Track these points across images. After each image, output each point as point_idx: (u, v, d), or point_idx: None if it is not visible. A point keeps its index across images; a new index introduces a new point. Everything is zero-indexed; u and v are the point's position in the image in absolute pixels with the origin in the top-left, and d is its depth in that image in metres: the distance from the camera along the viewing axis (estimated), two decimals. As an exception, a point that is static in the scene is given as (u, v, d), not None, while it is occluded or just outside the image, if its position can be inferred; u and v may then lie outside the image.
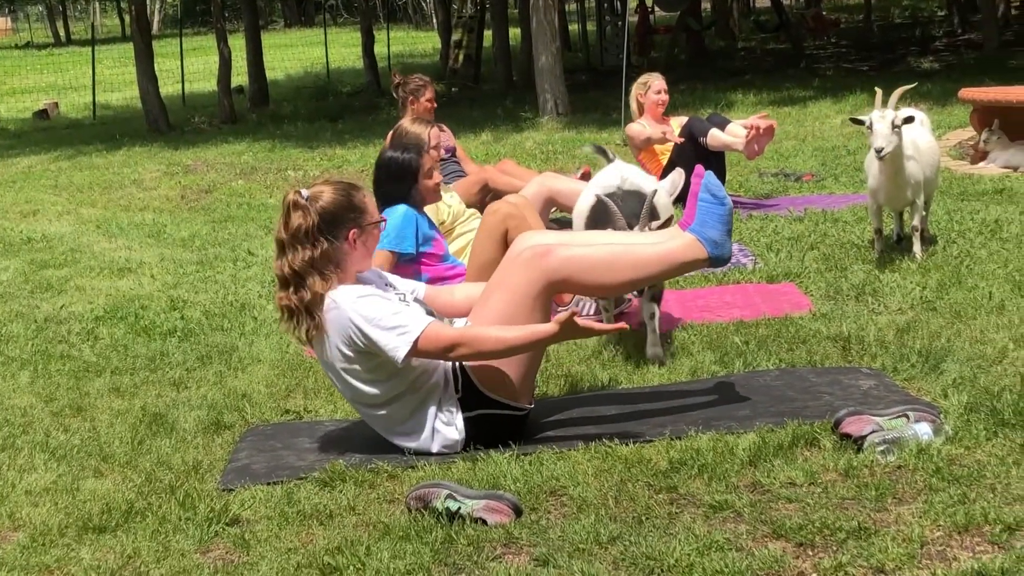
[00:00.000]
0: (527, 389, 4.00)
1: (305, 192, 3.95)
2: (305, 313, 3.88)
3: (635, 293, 4.86)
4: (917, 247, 6.08)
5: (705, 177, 4.02)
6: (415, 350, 3.78)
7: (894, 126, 5.78)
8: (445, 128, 7.55)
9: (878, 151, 5.80)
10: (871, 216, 6.32)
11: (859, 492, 3.30)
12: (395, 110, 7.63)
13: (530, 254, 3.94)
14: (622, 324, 3.86)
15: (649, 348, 4.77)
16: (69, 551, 3.38)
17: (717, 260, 4.02)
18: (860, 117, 6.04)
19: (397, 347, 3.76)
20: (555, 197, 6.21)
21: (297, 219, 3.88)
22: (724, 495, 3.35)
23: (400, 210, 5.24)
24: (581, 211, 4.89)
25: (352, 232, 3.93)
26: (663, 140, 7.66)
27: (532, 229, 4.68)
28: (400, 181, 5.26)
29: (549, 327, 3.77)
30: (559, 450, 3.80)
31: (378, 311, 3.80)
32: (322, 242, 3.87)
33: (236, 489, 3.75)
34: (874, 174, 6.10)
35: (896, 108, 5.87)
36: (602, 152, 5.25)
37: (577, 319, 3.72)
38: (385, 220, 4.13)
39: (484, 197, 6.91)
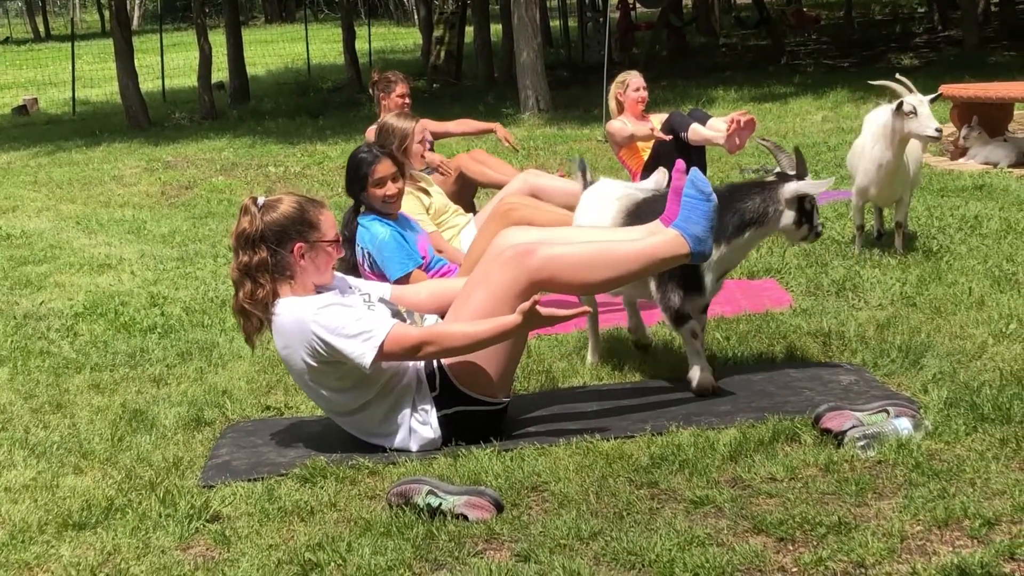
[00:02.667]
0: (505, 383, 4.00)
1: (261, 199, 3.98)
2: (240, 316, 3.97)
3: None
4: (899, 242, 6.11)
5: (692, 173, 3.99)
6: (382, 354, 3.77)
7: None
8: (422, 121, 7.54)
9: (938, 132, 5.74)
10: (854, 213, 6.33)
11: (839, 487, 3.31)
12: (376, 106, 7.64)
13: (512, 253, 3.93)
14: (586, 308, 3.88)
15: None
16: (49, 548, 3.37)
17: (698, 256, 4.00)
18: (907, 100, 5.83)
19: (363, 353, 3.76)
20: (539, 194, 6.20)
21: (244, 223, 3.93)
22: (705, 490, 3.35)
23: (383, 232, 5.19)
24: (605, 216, 4.59)
25: (298, 246, 3.92)
26: (649, 137, 7.65)
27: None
28: (352, 181, 5.25)
29: (513, 318, 3.76)
30: (540, 446, 3.80)
31: (340, 320, 3.79)
32: (262, 249, 3.90)
33: (216, 486, 3.74)
34: (866, 170, 6.04)
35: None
36: (583, 171, 5.09)
37: (539, 307, 3.73)
38: (340, 239, 4.11)
39: (461, 186, 6.92)
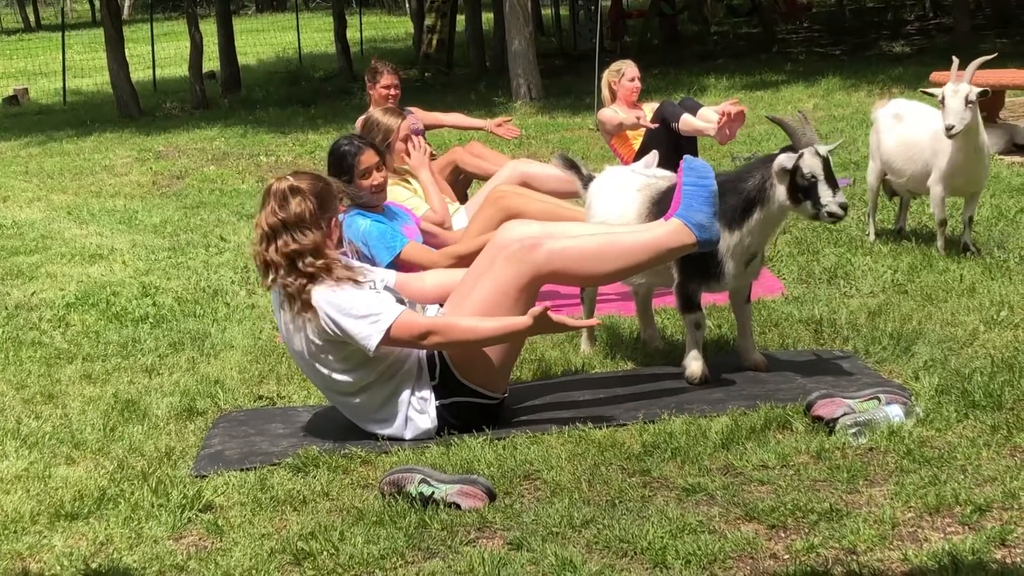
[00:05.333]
0: (503, 378, 4.00)
1: (291, 179, 3.93)
2: (298, 296, 3.85)
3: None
4: (969, 239, 5.81)
5: (685, 160, 3.96)
6: (387, 338, 3.77)
7: (968, 101, 5.51)
8: (413, 110, 7.53)
9: (948, 129, 5.49)
10: (936, 207, 5.88)
11: (831, 474, 3.32)
12: (367, 95, 7.62)
13: (518, 247, 3.91)
14: (595, 320, 3.87)
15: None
16: (41, 538, 3.37)
17: (705, 244, 3.95)
18: (932, 90, 5.71)
19: (369, 335, 3.76)
20: (529, 182, 6.20)
21: (296, 205, 3.86)
22: (697, 478, 3.36)
23: (364, 223, 5.16)
24: (628, 211, 4.42)
25: (334, 219, 3.96)
26: (636, 126, 7.65)
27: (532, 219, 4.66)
28: (338, 175, 5.22)
29: (523, 320, 3.76)
30: (533, 434, 3.81)
31: (350, 300, 3.79)
32: (321, 225, 3.90)
33: (209, 475, 3.74)
34: (951, 156, 5.72)
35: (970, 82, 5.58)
36: (573, 167, 4.92)
37: (551, 313, 3.72)
38: (344, 211, 4.10)
39: (455, 179, 6.90)
